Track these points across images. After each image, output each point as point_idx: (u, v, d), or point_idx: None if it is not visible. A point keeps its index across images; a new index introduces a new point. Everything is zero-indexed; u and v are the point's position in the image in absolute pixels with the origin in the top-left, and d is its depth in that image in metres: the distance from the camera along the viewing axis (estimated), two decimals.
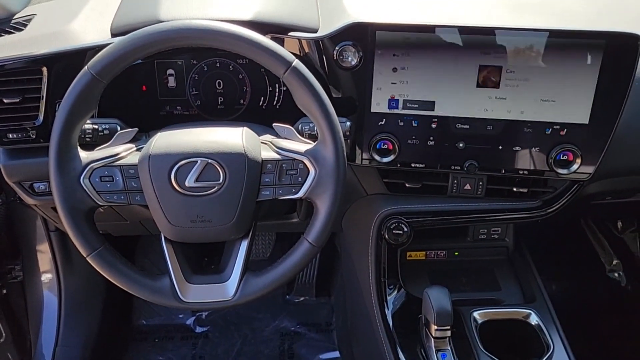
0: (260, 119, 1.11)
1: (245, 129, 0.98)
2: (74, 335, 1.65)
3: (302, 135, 1.03)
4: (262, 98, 1.20)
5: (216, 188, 0.91)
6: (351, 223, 1.30)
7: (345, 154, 0.94)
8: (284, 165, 0.94)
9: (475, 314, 1.16)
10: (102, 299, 1.74)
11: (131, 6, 1.17)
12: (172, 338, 1.87)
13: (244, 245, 0.98)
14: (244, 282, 0.97)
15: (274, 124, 1.01)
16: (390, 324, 1.15)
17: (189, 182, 0.90)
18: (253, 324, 1.92)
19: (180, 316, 1.93)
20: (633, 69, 1.02)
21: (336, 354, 1.81)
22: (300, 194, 0.95)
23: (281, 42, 1.10)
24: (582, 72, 1.04)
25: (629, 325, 1.91)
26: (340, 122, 1.05)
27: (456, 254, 1.32)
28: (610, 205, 1.38)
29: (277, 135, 1.01)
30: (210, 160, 0.91)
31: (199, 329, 1.91)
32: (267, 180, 0.95)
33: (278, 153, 0.95)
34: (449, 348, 1.06)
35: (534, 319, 1.15)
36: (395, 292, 1.19)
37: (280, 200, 0.96)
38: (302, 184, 0.94)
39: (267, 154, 0.96)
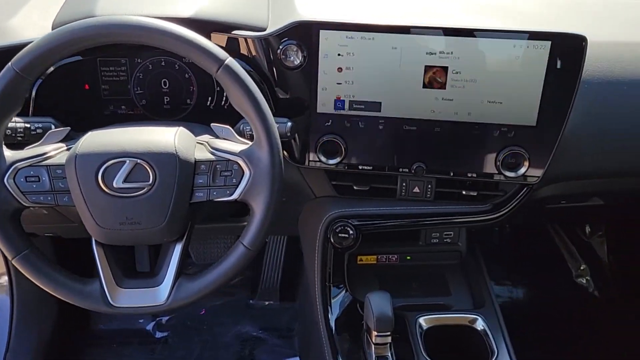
0: (208, 119, 1.09)
1: (181, 128, 0.95)
2: (26, 340, 1.61)
3: (243, 136, 1.01)
4: (210, 98, 1.17)
5: (146, 189, 0.88)
6: (303, 226, 1.28)
7: (281, 154, 0.92)
8: (218, 166, 0.92)
9: (421, 320, 1.13)
10: (57, 304, 1.70)
11: (75, 2, 1.14)
12: (130, 343, 1.83)
13: (178, 248, 0.95)
14: (177, 287, 0.94)
15: (212, 124, 0.98)
16: (333, 329, 1.12)
17: (117, 182, 0.87)
18: (214, 329, 1.89)
19: (141, 321, 1.90)
20: (579, 70, 1.00)
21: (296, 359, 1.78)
22: (235, 196, 0.92)
23: (235, 41, 1.08)
24: (528, 74, 1.02)
25: (592, 331, 1.91)
26: (281, 123, 1.03)
27: (408, 258, 1.30)
28: (567, 210, 1.37)
29: (217, 136, 0.99)
30: (139, 161, 0.87)
31: (158, 334, 1.87)
32: (200, 181, 0.92)
33: (212, 154, 0.93)
34: (389, 354, 1.04)
35: (480, 324, 1.13)
36: (341, 297, 1.17)
37: (221, 202, 0.94)
38: (237, 186, 0.92)
39: (202, 154, 0.93)
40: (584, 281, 2.07)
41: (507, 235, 2.17)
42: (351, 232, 1.14)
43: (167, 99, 1.17)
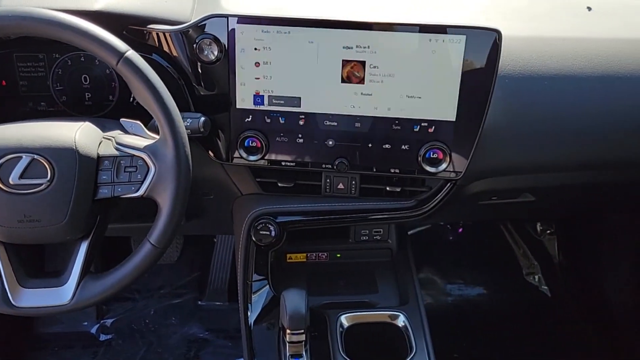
0: (132, 116, 1.06)
1: (86, 123, 0.93)
2: None
3: (157, 132, 0.99)
4: (132, 94, 1.15)
5: (44, 186, 0.86)
6: (234, 224, 1.26)
7: (187, 149, 0.90)
8: (122, 161, 0.90)
9: (342, 318, 1.12)
10: None
11: None
12: (72, 347, 1.80)
13: (83, 246, 0.93)
14: (82, 286, 0.92)
15: (121, 120, 0.96)
16: (252, 327, 1.11)
17: (14, 179, 0.85)
18: (160, 331, 1.86)
19: (85, 324, 1.86)
20: (495, 64, 1.00)
21: None
22: (140, 192, 0.90)
23: (153, 36, 1.05)
24: (445, 68, 1.01)
25: (540, 329, 1.91)
26: (194, 118, 1.02)
27: (338, 255, 1.28)
28: (500, 206, 1.37)
29: (127, 132, 0.97)
30: (36, 156, 0.85)
31: (102, 337, 1.84)
32: (104, 177, 0.90)
33: (117, 149, 0.91)
34: (304, 353, 1.02)
35: (401, 321, 1.12)
36: (264, 295, 1.15)
37: (136, 200, 0.92)
38: (142, 182, 0.90)
39: (106, 150, 0.91)
40: (535, 279, 2.08)
41: (460, 234, 2.18)
42: (272, 229, 1.13)
43: (88, 95, 1.15)
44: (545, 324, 1.93)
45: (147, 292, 1.95)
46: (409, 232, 1.78)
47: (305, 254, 1.28)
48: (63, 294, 0.91)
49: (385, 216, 1.16)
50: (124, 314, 1.90)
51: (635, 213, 1.77)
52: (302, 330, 0.99)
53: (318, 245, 1.28)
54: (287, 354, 1.02)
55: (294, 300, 0.97)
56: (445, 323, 1.84)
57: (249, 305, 1.13)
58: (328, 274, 1.25)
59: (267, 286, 1.16)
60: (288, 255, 1.27)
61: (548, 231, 2.07)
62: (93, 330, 1.85)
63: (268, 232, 1.13)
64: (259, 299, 1.15)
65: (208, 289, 1.94)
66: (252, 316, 1.13)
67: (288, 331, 0.99)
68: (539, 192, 1.27)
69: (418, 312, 1.13)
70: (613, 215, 1.83)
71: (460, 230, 2.18)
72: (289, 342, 1.01)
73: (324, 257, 1.28)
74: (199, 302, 1.94)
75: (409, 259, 1.25)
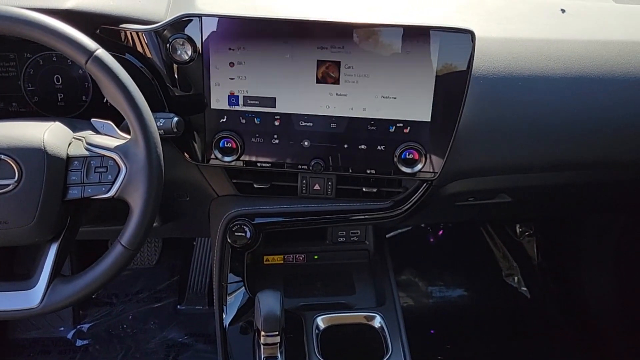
0: (106, 117, 1.05)
1: (56, 123, 0.91)
2: None
3: (128, 133, 0.97)
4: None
5: (11, 186, 0.84)
6: (210, 226, 1.24)
7: (159, 149, 0.89)
8: (92, 162, 0.88)
9: (319, 319, 1.11)
10: None
11: None
12: (48, 352, 1.77)
13: (53, 249, 0.91)
14: (51, 289, 0.90)
15: (92, 120, 0.95)
16: (227, 329, 1.10)
17: None
18: (139, 335, 1.84)
19: (61, 329, 1.84)
20: (469, 65, 1.00)
21: None
22: (111, 193, 0.89)
23: (127, 36, 1.04)
24: (420, 69, 1.01)
25: (518, 330, 1.92)
26: (167, 118, 1.00)
27: (315, 257, 1.28)
28: (478, 207, 1.37)
29: (98, 132, 0.95)
30: (2, 156, 0.84)
31: (79, 342, 1.81)
32: (73, 178, 0.88)
33: (87, 149, 0.89)
34: (278, 355, 1.01)
35: (377, 322, 1.12)
36: (239, 297, 1.14)
37: (109, 201, 0.90)
38: (113, 183, 0.89)
39: (76, 150, 0.89)
40: (514, 280, 2.09)
41: (440, 237, 2.18)
42: (248, 230, 1.12)
43: (61, 95, 1.13)
44: (525, 325, 1.94)
45: (125, 297, 1.92)
46: (388, 235, 1.79)
47: (282, 256, 1.27)
48: (32, 298, 0.90)
49: (362, 217, 1.15)
50: (101, 319, 1.87)
51: (613, 214, 1.79)
52: (277, 332, 0.98)
53: (295, 247, 1.27)
54: (262, 356, 1.01)
55: (269, 302, 0.96)
56: (425, 324, 1.84)
57: (224, 307, 1.12)
58: (305, 275, 1.24)
59: (243, 288, 1.15)
60: (265, 257, 1.26)
61: (527, 233, 2.09)
62: (69, 336, 1.82)
63: (243, 234, 1.12)
64: (234, 300, 1.13)
65: (187, 293, 1.92)
66: (227, 318, 1.11)
67: (262, 333, 0.98)
68: (515, 193, 1.28)
69: (394, 313, 1.12)
70: (591, 216, 1.85)
71: (441, 232, 2.19)
72: (264, 344, 1.00)
73: (301, 258, 1.27)
74: (178, 307, 1.92)
75: (387, 260, 1.24)
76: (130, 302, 1.91)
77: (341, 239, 1.26)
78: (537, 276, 2.04)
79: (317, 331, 1.10)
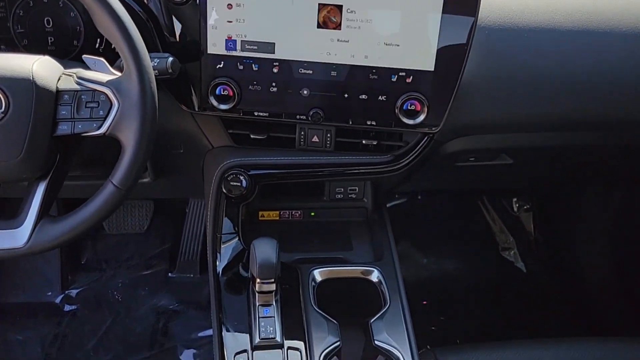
0: None
1: (46, 57, 0.87)
2: None
3: (121, 71, 0.94)
4: (99, 40, 1.09)
5: None
6: (205, 179, 1.21)
7: (153, 85, 0.85)
8: (83, 96, 0.85)
9: (315, 272, 1.09)
10: None
11: None
12: (35, 316, 1.74)
13: (41, 187, 0.87)
14: (38, 229, 0.86)
15: (83, 56, 0.91)
16: (220, 276, 1.07)
17: None
18: (129, 302, 1.81)
19: (49, 294, 1.80)
20: (475, 13, 0.97)
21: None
22: (102, 130, 0.85)
23: None
24: (425, 16, 0.98)
25: (514, 303, 1.91)
26: (161, 58, 0.97)
27: (312, 214, 1.25)
28: (478, 170, 1.34)
29: (89, 69, 0.92)
30: None
31: (67, 307, 1.78)
32: (63, 112, 0.84)
33: (78, 84, 0.85)
34: (273, 303, 0.99)
35: (375, 276, 1.09)
36: (234, 247, 1.11)
37: (103, 141, 0.87)
38: (105, 119, 0.85)
39: (66, 84, 0.85)
40: (510, 254, 2.07)
41: (438, 210, 2.16)
42: (244, 180, 1.09)
43: (51, 39, 1.09)
44: (519, 299, 1.93)
45: (115, 263, 1.89)
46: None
47: (278, 212, 1.23)
48: (18, 237, 0.86)
49: (361, 171, 1.13)
50: (89, 285, 1.84)
51: (611, 187, 1.78)
52: (273, 280, 0.95)
53: (291, 203, 1.24)
54: (257, 304, 0.99)
55: (265, 249, 0.93)
56: (420, 296, 1.82)
57: (218, 254, 1.09)
58: (302, 232, 1.21)
59: (237, 239, 1.12)
60: (260, 213, 1.23)
61: (525, 207, 2.07)
62: (57, 300, 1.79)
63: (239, 184, 1.09)
64: (228, 249, 1.10)
65: (179, 261, 1.89)
66: (221, 265, 1.08)
67: (258, 280, 0.95)
68: (516, 154, 1.25)
69: (393, 267, 1.10)
70: (589, 190, 1.83)
71: (439, 205, 2.17)
72: (259, 292, 0.98)
73: (297, 215, 1.24)
74: (170, 274, 1.89)
75: (385, 218, 1.21)
76: (120, 269, 1.87)
77: (339, 196, 1.23)
78: (533, 251, 2.03)
79: (313, 284, 1.07)
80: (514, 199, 2.10)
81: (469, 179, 1.38)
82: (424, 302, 1.83)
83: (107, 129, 0.85)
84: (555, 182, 1.60)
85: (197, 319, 1.76)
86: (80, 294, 1.81)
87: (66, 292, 1.80)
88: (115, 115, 0.84)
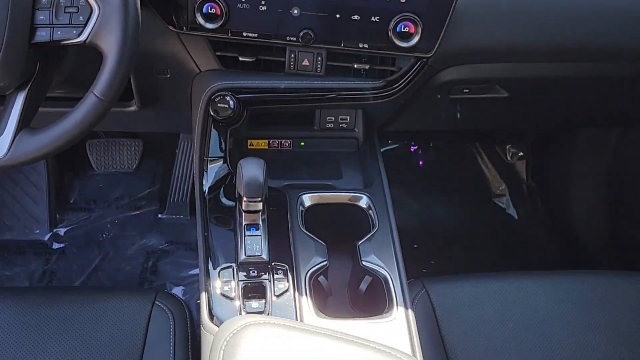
0: None
1: None
2: None
3: None
4: None
5: None
6: (192, 103, 1.18)
7: None
8: (61, 0, 0.81)
9: (304, 197, 1.07)
10: None
11: None
12: (23, 253, 1.72)
13: (20, 98, 0.85)
14: (17, 140, 0.84)
15: None
16: (206, 196, 1.05)
17: None
18: (118, 242, 1.79)
19: (37, 232, 1.78)
20: None
21: None
22: (83, 37, 0.82)
23: None
24: None
25: (503, 250, 1.91)
26: None
27: (302, 144, 1.22)
28: (473, 105, 1.32)
29: None
30: None
31: (55, 245, 1.77)
32: (41, 17, 0.81)
33: None
34: (260, 222, 0.97)
35: (364, 202, 1.08)
36: (220, 169, 1.08)
37: (81, 48, 0.83)
38: (85, 25, 0.81)
39: None
40: (503, 201, 2.07)
41: (431, 157, 2.14)
42: (231, 102, 1.06)
43: None
44: (509, 245, 1.93)
45: (104, 203, 1.87)
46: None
47: (267, 141, 1.21)
48: None
49: (352, 96, 1.10)
50: (78, 224, 1.82)
51: (605, 129, 1.76)
52: (260, 198, 0.93)
53: (281, 132, 1.21)
54: (243, 223, 0.97)
55: (252, 167, 0.91)
56: (411, 240, 1.82)
57: (205, 173, 1.07)
58: (291, 161, 1.19)
59: (224, 162, 1.09)
60: (249, 142, 1.20)
61: (519, 155, 2.06)
62: (45, 238, 1.77)
63: (226, 105, 1.06)
64: (214, 170, 1.08)
65: (168, 202, 1.87)
66: (207, 184, 1.06)
67: (244, 199, 0.93)
68: (511, 86, 1.22)
69: (382, 193, 1.08)
70: (584, 133, 1.81)
71: (432, 153, 2.14)
72: (245, 211, 0.96)
73: (287, 144, 1.22)
74: (159, 216, 1.87)
75: (376, 148, 1.19)
76: (109, 209, 1.85)
77: (329, 125, 1.20)
78: (525, 198, 2.02)
79: (301, 208, 1.05)
80: (508, 146, 2.08)
81: (464, 116, 1.35)
82: (415, 246, 1.83)
83: (88, 36, 0.82)
84: (550, 121, 1.57)
85: (187, 258, 1.75)
86: (68, 232, 1.79)
87: (54, 230, 1.79)
88: (96, 21, 0.81)
